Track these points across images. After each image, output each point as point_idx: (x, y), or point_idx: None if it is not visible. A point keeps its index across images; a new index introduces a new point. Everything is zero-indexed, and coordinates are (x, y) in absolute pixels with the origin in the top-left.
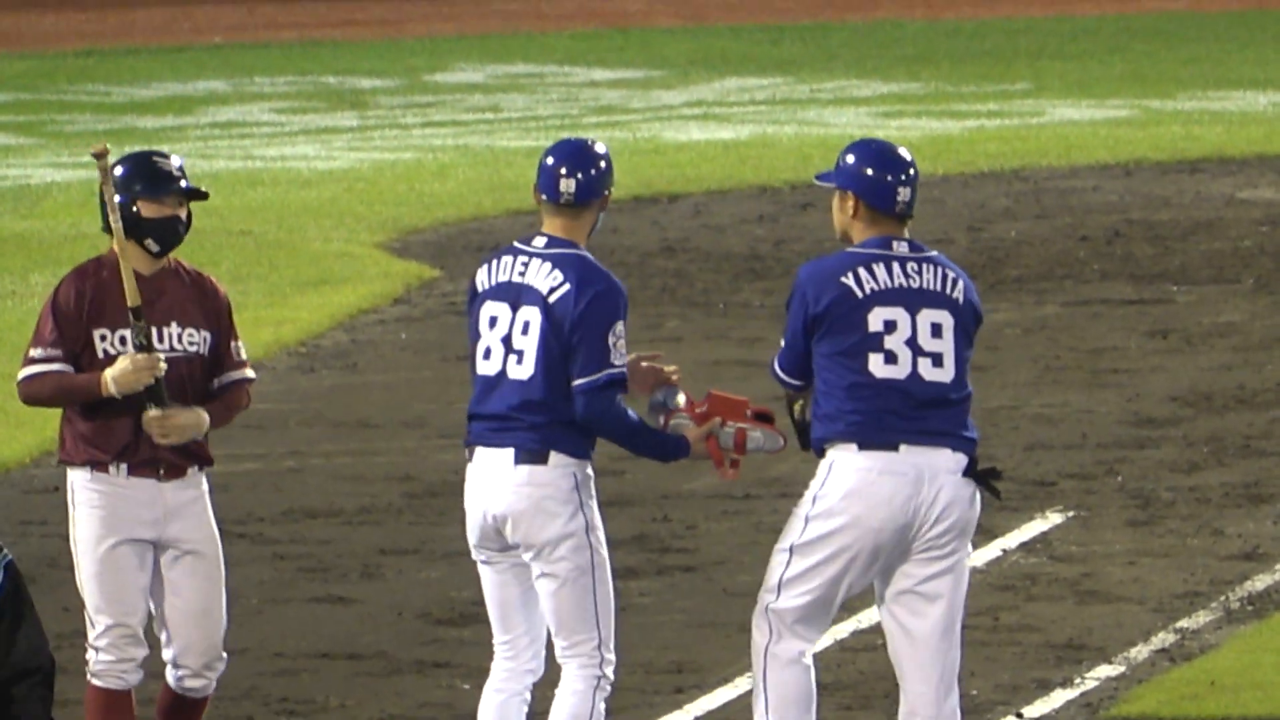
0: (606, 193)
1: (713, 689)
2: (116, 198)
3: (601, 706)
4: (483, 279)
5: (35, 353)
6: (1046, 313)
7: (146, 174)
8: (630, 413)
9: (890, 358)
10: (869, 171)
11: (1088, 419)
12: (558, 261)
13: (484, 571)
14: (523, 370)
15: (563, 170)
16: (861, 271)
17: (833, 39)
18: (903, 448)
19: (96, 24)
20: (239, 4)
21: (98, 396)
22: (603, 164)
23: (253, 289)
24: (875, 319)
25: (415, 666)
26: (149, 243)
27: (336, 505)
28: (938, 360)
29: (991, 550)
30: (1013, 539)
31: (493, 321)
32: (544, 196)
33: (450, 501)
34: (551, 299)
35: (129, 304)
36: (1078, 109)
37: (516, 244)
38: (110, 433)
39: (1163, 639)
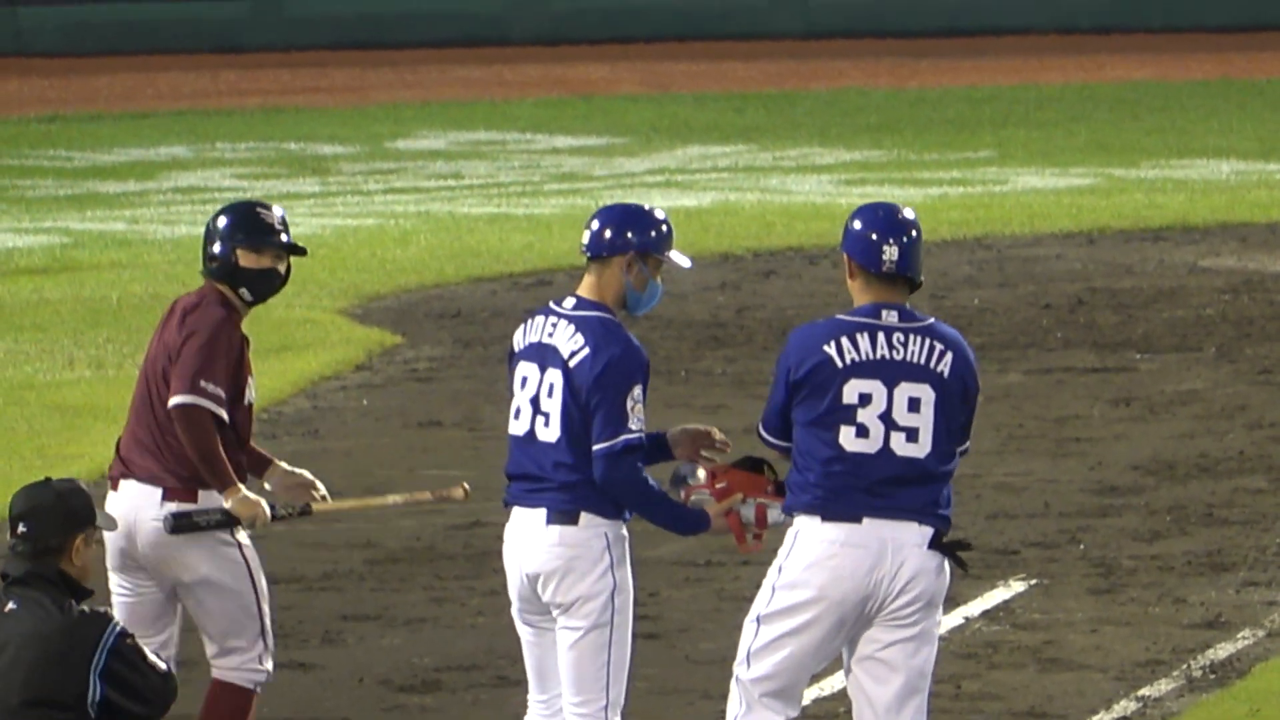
0: (632, 252)
1: None
2: (217, 246)
3: None
4: (518, 339)
5: (211, 388)
6: (1010, 381)
7: (248, 224)
8: (652, 482)
9: (861, 431)
10: (857, 228)
11: (1051, 487)
12: (580, 324)
13: (522, 630)
14: (550, 433)
15: (592, 222)
16: (844, 341)
17: (796, 107)
18: (866, 520)
19: (59, 90)
20: (202, 70)
21: (220, 491)
22: (629, 220)
23: None
24: (850, 391)
25: None
26: (243, 292)
27: (299, 572)
28: (913, 435)
29: (954, 618)
30: (975, 607)
31: (524, 382)
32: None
33: (411, 568)
34: (571, 363)
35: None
36: (1041, 177)
37: (551, 304)
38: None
39: (1125, 707)
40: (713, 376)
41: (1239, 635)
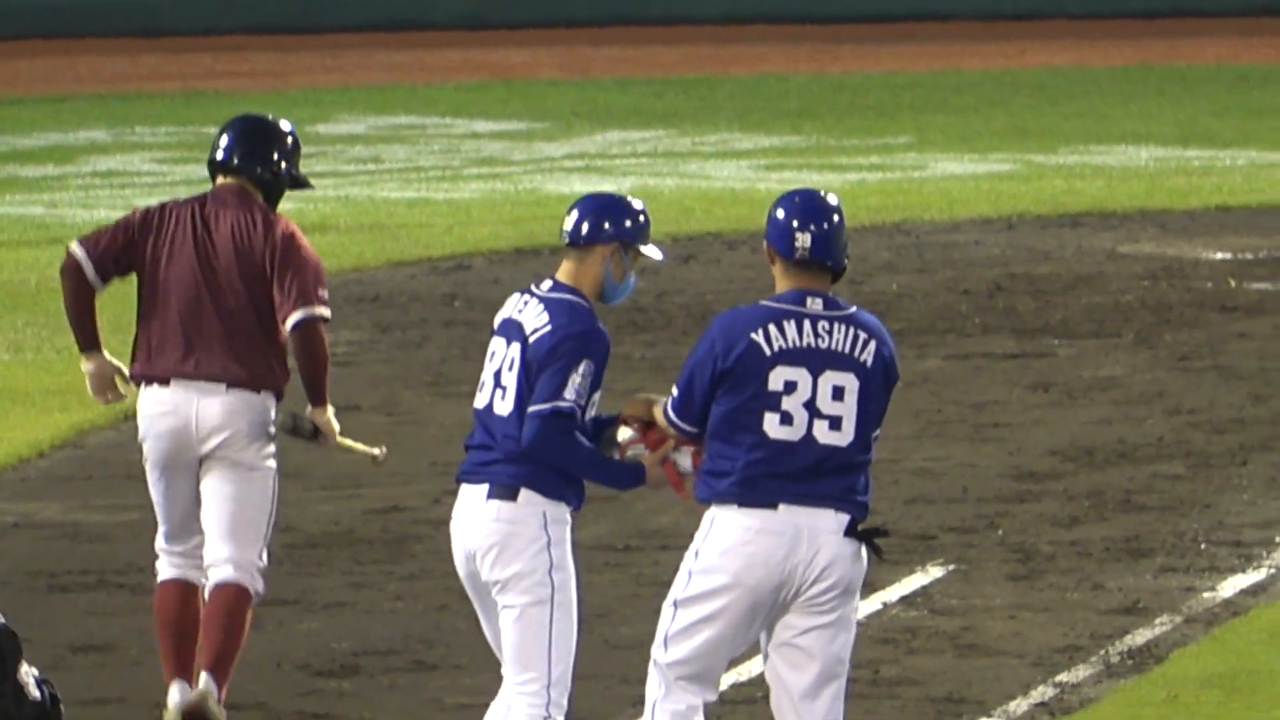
0: (615, 242)
1: None
2: (283, 163)
3: None
4: (498, 316)
5: (325, 294)
6: (928, 366)
7: (298, 148)
8: (583, 442)
9: (786, 419)
10: (776, 214)
11: (969, 473)
12: (549, 305)
13: (476, 606)
14: (505, 406)
15: (574, 210)
16: (772, 328)
17: (716, 92)
18: (782, 507)
19: None
20: (121, 53)
21: (316, 405)
22: (613, 210)
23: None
24: (776, 378)
25: (295, 718)
26: (266, 203)
27: None
28: (835, 423)
29: (872, 603)
30: (894, 592)
31: (492, 356)
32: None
33: (329, 553)
34: (531, 339)
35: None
36: (960, 163)
37: (531, 285)
38: None
39: (1042, 692)
40: (632, 361)
41: (1157, 621)
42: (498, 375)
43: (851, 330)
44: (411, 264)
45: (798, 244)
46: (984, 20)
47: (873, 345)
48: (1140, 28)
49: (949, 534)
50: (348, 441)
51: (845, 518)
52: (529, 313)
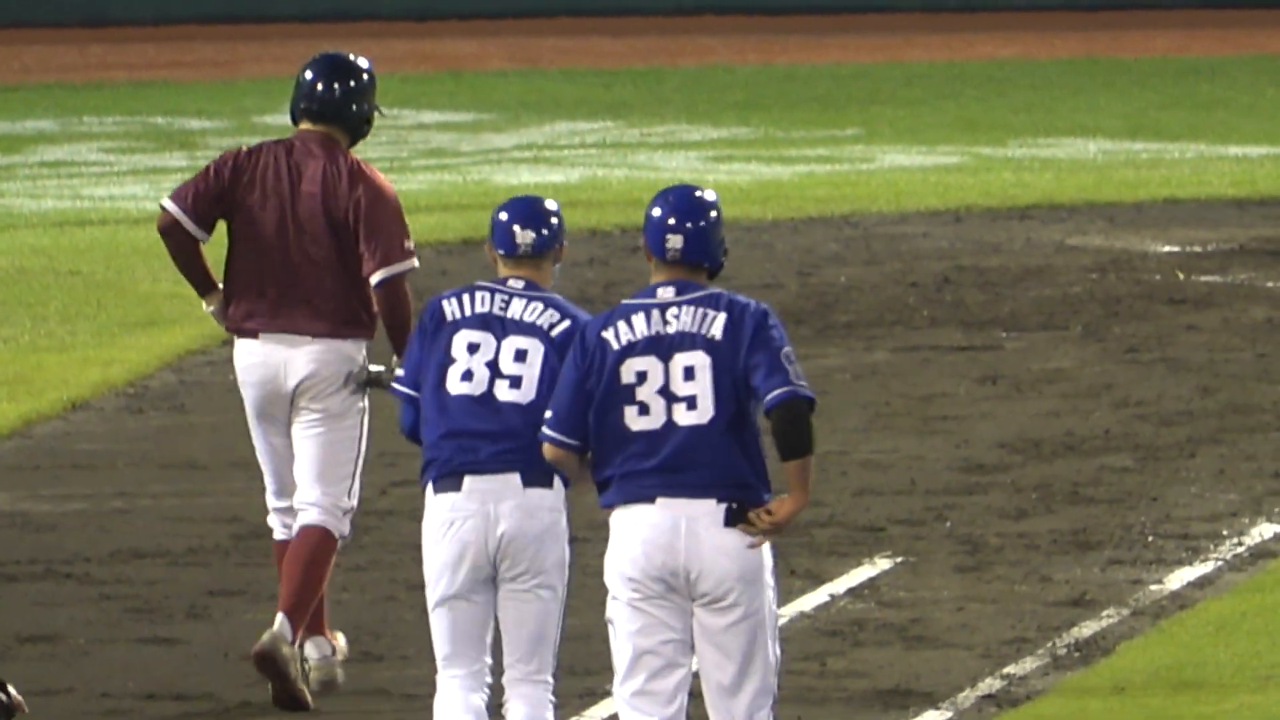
0: (559, 245)
1: None
2: (365, 105)
3: None
4: (450, 311)
5: (411, 246)
6: (876, 359)
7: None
8: None
9: (643, 409)
10: (650, 213)
11: (917, 465)
12: (551, 301)
13: (453, 606)
14: (521, 394)
15: (521, 224)
16: (621, 325)
17: (665, 83)
18: (659, 500)
19: None
20: (69, 43)
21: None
22: (554, 215)
23: (80, 329)
24: (628, 371)
25: (241, 708)
26: (345, 141)
27: (164, 546)
28: (691, 403)
29: (819, 595)
30: (841, 584)
31: (471, 348)
32: (501, 251)
33: None
34: (554, 333)
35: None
36: (908, 155)
37: (494, 284)
38: None
39: (990, 685)
40: None
41: (1104, 614)
42: (494, 365)
43: (699, 310)
44: None
45: (669, 244)
46: (931, 12)
47: (720, 318)
48: (1087, 20)
49: (897, 526)
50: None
51: (725, 507)
52: (531, 309)
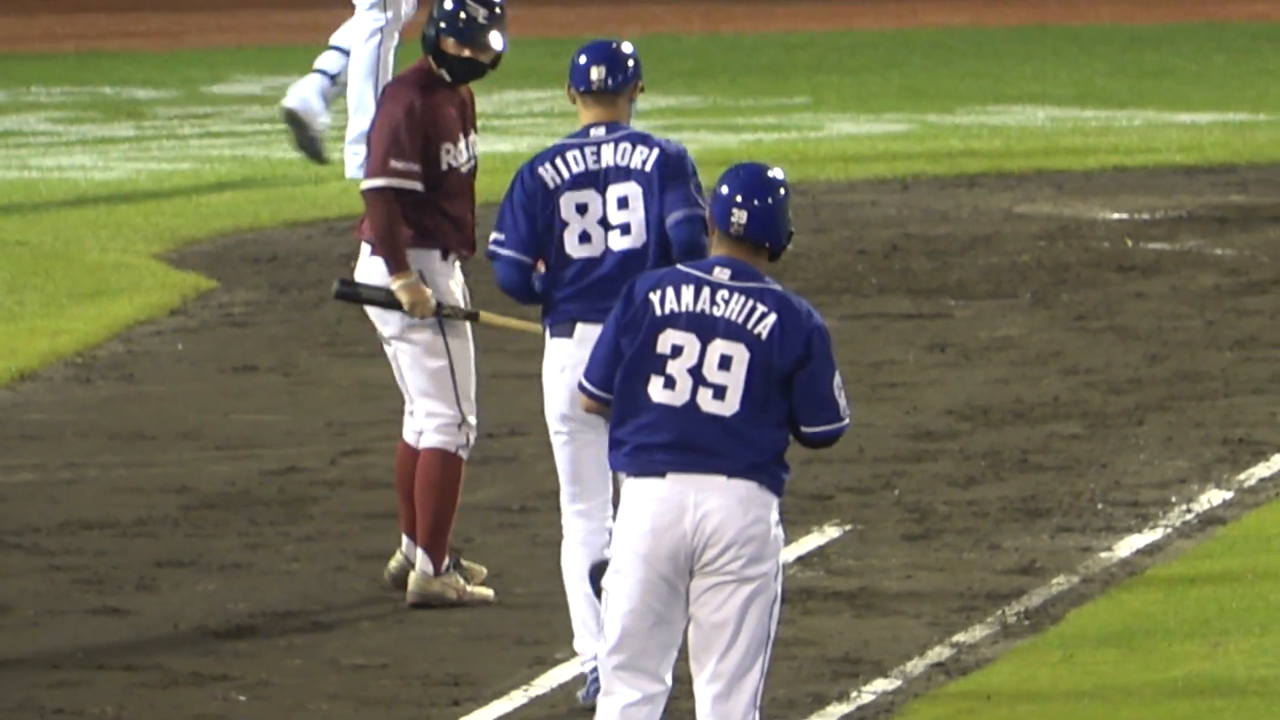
0: (637, 81)
1: (488, 701)
2: (430, 27)
3: None
4: (551, 176)
5: (396, 164)
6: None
7: (452, 20)
8: None
9: (670, 383)
10: (718, 188)
11: (865, 432)
12: (649, 138)
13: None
14: (632, 240)
15: (597, 61)
16: (669, 290)
17: None
18: (670, 476)
19: None
20: (16, 15)
21: (391, 273)
22: (630, 55)
23: (28, 300)
24: (664, 341)
25: (191, 678)
26: (442, 72)
27: (113, 517)
28: (720, 393)
29: None
30: (789, 553)
31: (581, 208)
32: (580, 88)
33: (226, 514)
34: (647, 169)
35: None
36: (856, 123)
37: (599, 133)
38: None
39: (939, 653)
40: (534, 318)
41: (1053, 581)
42: (604, 220)
43: (751, 302)
44: (308, 224)
45: (734, 219)
46: None
47: (772, 319)
48: None
49: (845, 494)
50: (503, 321)
51: (739, 483)
52: (621, 151)
